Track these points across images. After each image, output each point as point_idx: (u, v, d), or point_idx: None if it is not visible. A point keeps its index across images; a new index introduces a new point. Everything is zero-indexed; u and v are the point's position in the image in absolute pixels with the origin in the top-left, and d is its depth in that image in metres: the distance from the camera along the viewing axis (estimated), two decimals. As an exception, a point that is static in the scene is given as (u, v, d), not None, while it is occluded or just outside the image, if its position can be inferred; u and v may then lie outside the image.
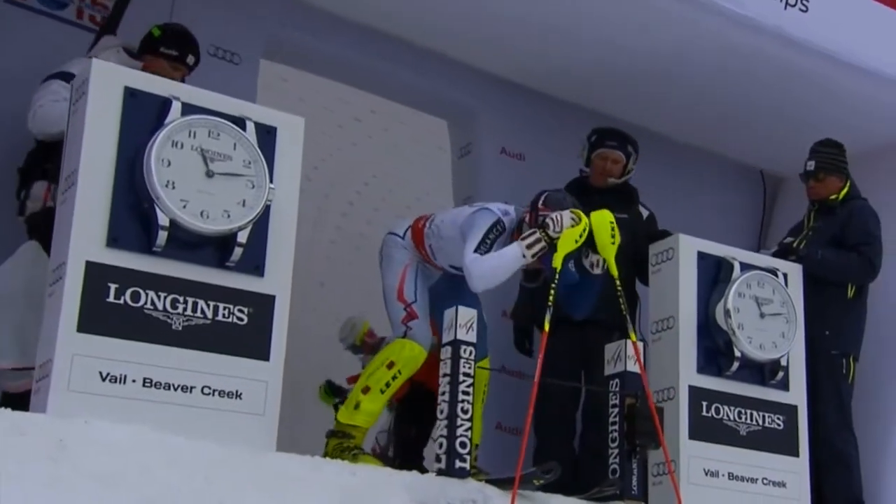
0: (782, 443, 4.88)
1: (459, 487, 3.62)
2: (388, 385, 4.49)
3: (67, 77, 4.24)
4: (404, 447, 7.62)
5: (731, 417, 4.76)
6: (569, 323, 5.25)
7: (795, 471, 4.88)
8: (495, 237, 4.42)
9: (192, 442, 3.29)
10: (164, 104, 3.82)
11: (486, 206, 4.58)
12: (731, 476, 4.66)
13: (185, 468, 3.11)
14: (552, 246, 4.23)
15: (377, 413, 4.56)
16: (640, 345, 4.40)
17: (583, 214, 4.29)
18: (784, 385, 4.93)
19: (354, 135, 10.06)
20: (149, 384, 3.63)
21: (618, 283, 4.35)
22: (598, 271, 4.40)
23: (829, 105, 6.01)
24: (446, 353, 3.92)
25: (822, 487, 5.01)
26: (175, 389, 3.68)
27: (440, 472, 3.78)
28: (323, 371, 5.37)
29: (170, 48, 4.61)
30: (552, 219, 4.26)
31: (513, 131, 6.38)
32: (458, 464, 3.77)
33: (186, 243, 3.75)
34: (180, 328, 3.73)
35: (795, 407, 4.95)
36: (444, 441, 3.81)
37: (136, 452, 3.10)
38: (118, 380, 3.58)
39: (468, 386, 3.87)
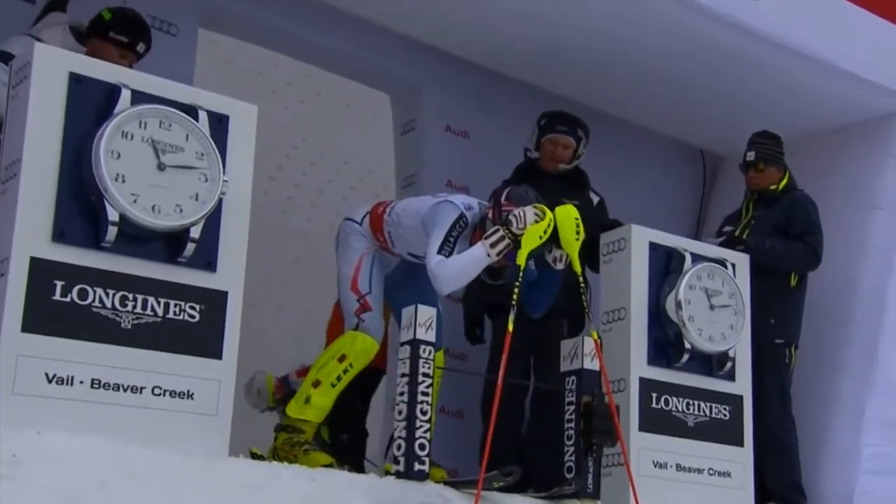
0: (728, 433, 4.96)
1: (419, 490, 3.59)
2: (339, 379, 4.43)
3: (6, 57, 4.05)
4: (352, 422, 7.63)
5: (680, 409, 4.81)
6: (520, 311, 5.27)
7: (740, 460, 4.96)
8: (458, 234, 4.36)
9: (149, 451, 3.20)
10: (112, 92, 3.66)
11: (450, 199, 4.51)
12: (679, 467, 4.72)
13: (142, 481, 3.03)
14: (516, 243, 4.18)
15: (328, 407, 4.49)
16: (598, 341, 4.41)
17: (547, 210, 4.24)
18: (731, 376, 4.99)
19: (286, 99, 9.92)
20: (97, 385, 3.51)
21: (581, 279, 4.33)
22: (560, 266, 4.36)
23: (773, 90, 6.07)
24: (405, 352, 3.86)
25: (763, 474, 5.11)
26: (125, 390, 3.56)
27: (399, 475, 3.74)
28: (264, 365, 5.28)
29: (120, 34, 4.42)
30: (515, 215, 4.20)
31: (458, 108, 6.31)
32: (416, 466, 3.74)
33: (136, 238, 3.61)
34: (129, 326, 3.61)
35: (741, 397, 5.02)
36: (403, 443, 3.76)
37: (92, 466, 3.00)
38: (65, 381, 3.46)
39: (427, 387, 3.82)
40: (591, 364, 4.30)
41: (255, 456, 4.45)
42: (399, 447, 3.79)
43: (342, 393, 6.82)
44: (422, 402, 3.79)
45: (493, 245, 4.21)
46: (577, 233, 4.26)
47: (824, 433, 5.53)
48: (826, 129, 6.35)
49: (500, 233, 4.20)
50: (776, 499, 5.16)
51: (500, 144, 6.38)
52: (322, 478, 3.46)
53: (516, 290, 4.10)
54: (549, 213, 4.23)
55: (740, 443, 4.98)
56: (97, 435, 3.25)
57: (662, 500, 4.48)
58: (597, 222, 5.33)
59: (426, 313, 3.90)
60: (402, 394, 3.83)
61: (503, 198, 4.43)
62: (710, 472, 4.84)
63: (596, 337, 4.34)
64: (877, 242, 5.93)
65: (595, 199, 5.58)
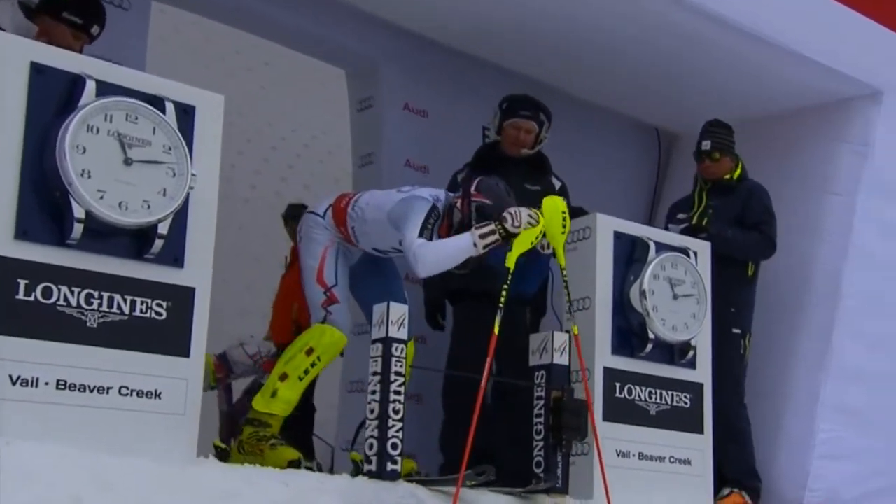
0: (689, 421, 5.00)
1: (392, 491, 3.59)
2: (306, 372, 4.38)
3: None
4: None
5: (643, 398, 4.84)
6: (485, 299, 5.26)
7: (700, 448, 5.02)
8: (434, 223, 4.34)
9: (122, 460, 3.15)
10: (75, 83, 3.55)
11: (416, 194, 4.47)
12: (642, 456, 4.75)
13: (117, 493, 2.98)
14: (506, 240, 4.14)
15: (295, 401, 4.44)
16: (566, 335, 4.42)
17: (542, 216, 4.20)
18: (692, 364, 5.03)
19: (234, 68, 9.78)
20: (63, 386, 3.43)
21: (564, 272, 4.32)
22: (548, 251, 4.35)
23: (729, 72, 6.09)
24: (377, 350, 3.84)
25: (719, 460, 5.18)
26: (91, 391, 3.48)
27: (371, 475, 3.73)
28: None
29: (74, 15, 4.28)
30: (511, 214, 4.15)
31: (416, 86, 6.25)
32: (389, 466, 3.72)
33: (102, 235, 3.51)
34: (95, 325, 3.52)
35: (701, 385, 5.07)
36: (375, 443, 3.74)
37: (66, 479, 2.94)
38: (30, 383, 3.36)
39: (399, 385, 3.80)
40: (561, 359, 4.31)
41: (217, 448, 4.45)
42: (371, 447, 3.76)
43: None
44: (394, 401, 3.76)
45: (482, 237, 4.17)
46: (564, 226, 4.26)
47: (779, 419, 5.61)
48: (782, 113, 6.38)
49: (493, 227, 4.16)
50: (732, 484, 5.25)
51: (459, 123, 6.36)
52: (295, 481, 3.43)
53: (504, 292, 4.05)
54: (543, 220, 4.20)
55: (700, 430, 5.04)
56: (65, 441, 3.19)
57: (625, 488, 4.51)
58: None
59: (398, 311, 3.86)
60: (373, 392, 3.80)
61: (473, 188, 4.41)
62: (671, 459, 4.89)
63: (576, 332, 4.31)
64: (831, 228, 5.97)
65: (557, 184, 5.57)
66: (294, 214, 6.15)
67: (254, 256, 9.16)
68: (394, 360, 3.80)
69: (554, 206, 4.28)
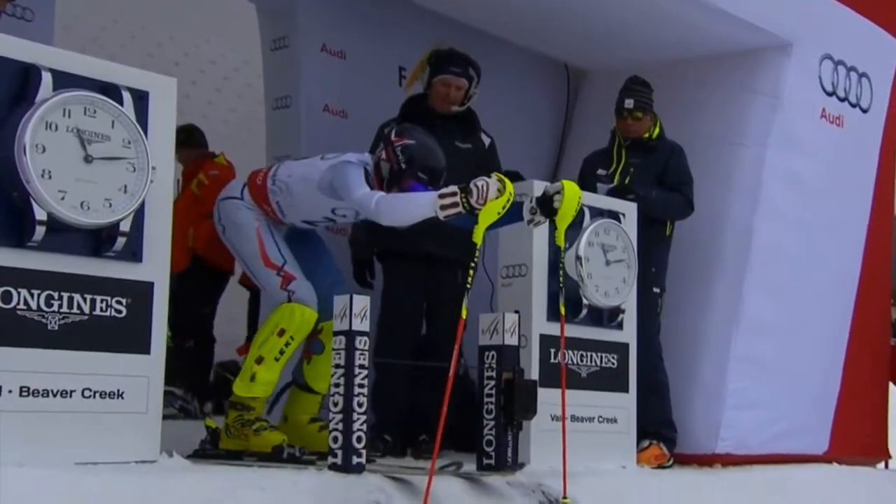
0: (616, 380, 5.22)
1: (360, 486, 3.68)
2: (281, 352, 4.39)
3: None
4: (198, 328, 7.56)
5: (575, 361, 5.03)
6: (415, 258, 5.33)
7: (625, 405, 5.26)
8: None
9: (99, 477, 3.16)
10: (27, 73, 3.42)
11: (344, 159, 4.47)
12: (574, 418, 4.92)
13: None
14: (470, 213, 4.10)
15: (274, 381, 4.48)
16: (515, 316, 4.53)
17: (509, 183, 4.11)
18: (620, 325, 5.26)
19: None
20: (26, 393, 3.39)
21: (562, 253, 4.39)
22: (531, 227, 4.37)
23: (638, 17, 6.04)
24: (339, 343, 3.87)
25: (639, 414, 5.44)
26: (54, 395, 3.46)
27: (336, 468, 3.79)
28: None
29: None
30: (477, 187, 4.04)
31: (333, 27, 6.12)
32: (355, 459, 3.79)
33: (62, 235, 3.44)
34: (56, 327, 3.47)
35: (627, 345, 5.29)
36: (340, 436, 3.80)
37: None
38: (-6, 392, 3.34)
39: (363, 378, 3.84)
40: (511, 340, 4.43)
41: (209, 429, 4.52)
42: (336, 440, 3.82)
43: (185, 299, 6.83)
44: (358, 394, 3.82)
45: (443, 208, 4.11)
46: (578, 213, 4.26)
47: (693, 371, 5.83)
48: (693, 59, 6.41)
49: (457, 199, 4.08)
50: (651, 436, 5.49)
51: (377, 66, 6.28)
52: (269, 484, 3.48)
53: (472, 271, 4.04)
54: (509, 187, 4.09)
55: (626, 389, 5.27)
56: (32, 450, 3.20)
57: (558, 452, 4.68)
58: (491, 165, 5.39)
59: (361, 303, 3.89)
60: (337, 385, 3.85)
61: (392, 135, 4.47)
62: (600, 419, 5.13)
63: (563, 311, 4.34)
64: (742, 181, 6.09)
65: (486, 141, 5.62)
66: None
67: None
68: (357, 352, 3.84)
69: (573, 192, 4.21)
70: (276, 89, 6.17)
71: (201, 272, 7.33)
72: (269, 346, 4.41)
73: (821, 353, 6.50)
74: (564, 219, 4.22)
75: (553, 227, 4.37)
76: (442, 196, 4.13)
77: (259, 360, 4.41)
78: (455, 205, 4.09)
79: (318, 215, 4.62)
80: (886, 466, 7.41)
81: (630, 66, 6.33)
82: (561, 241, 4.31)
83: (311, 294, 4.49)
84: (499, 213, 4.07)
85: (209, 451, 4.43)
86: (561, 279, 4.45)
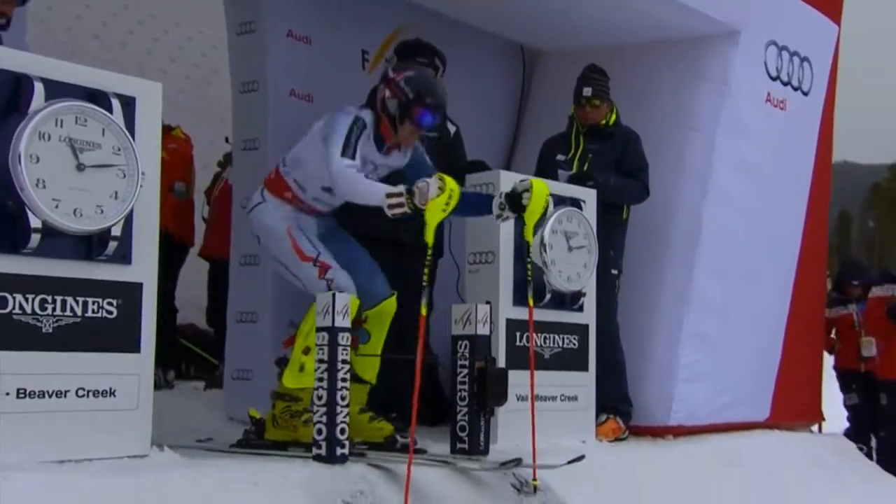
0: (576, 360, 5.35)
1: (345, 476, 3.76)
2: None
3: None
4: (162, 298, 7.55)
5: (539, 344, 5.15)
6: (388, 244, 5.36)
7: (585, 384, 5.40)
8: (358, 134, 4.39)
9: (103, 481, 3.19)
10: (19, 83, 3.39)
11: (339, 109, 4.50)
12: (538, 398, 4.99)
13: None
14: (416, 213, 4.15)
15: None
16: (487, 307, 4.61)
17: (448, 179, 4.13)
18: (581, 308, 5.38)
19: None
20: (23, 395, 3.41)
21: (530, 247, 4.47)
22: (499, 222, 4.44)
23: (593, 2, 6.11)
24: (323, 339, 3.92)
25: (597, 389, 5.58)
26: (50, 396, 3.47)
27: (320, 459, 3.86)
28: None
29: None
30: (419, 189, 4.10)
31: (298, 13, 6.08)
32: (338, 451, 3.86)
33: (56, 240, 3.44)
34: (51, 330, 3.48)
35: (587, 326, 5.42)
36: (324, 428, 3.87)
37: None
38: (-8, 395, 3.35)
39: (346, 373, 3.91)
40: (483, 330, 4.51)
41: (253, 419, 4.50)
42: (320, 432, 3.89)
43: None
44: (341, 388, 3.88)
45: (390, 206, 4.19)
46: (545, 210, 4.34)
47: (647, 348, 5.98)
48: (644, 44, 6.48)
49: (402, 199, 4.15)
50: (609, 411, 5.64)
51: (341, 51, 6.26)
52: (261, 478, 3.55)
53: (426, 270, 4.08)
54: (449, 183, 4.13)
55: (585, 368, 5.41)
56: (53, 473, 3.21)
57: (524, 431, 4.77)
58: (457, 153, 5.44)
59: (342, 300, 3.95)
60: (321, 380, 3.91)
61: (390, 72, 4.52)
62: (562, 398, 5.25)
63: (531, 302, 4.44)
64: (693, 165, 6.20)
65: (452, 130, 5.65)
66: None
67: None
68: (340, 348, 3.89)
69: (542, 190, 4.30)
70: (242, 73, 6.11)
71: (162, 244, 7.31)
72: (315, 336, 4.34)
73: (763, 327, 6.70)
74: (532, 216, 4.31)
75: (522, 223, 4.43)
76: (389, 196, 4.20)
77: (306, 351, 4.35)
78: (401, 205, 4.18)
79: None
80: (820, 429, 7.69)
81: (583, 47, 6.43)
82: (530, 236, 4.40)
83: (349, 281, 4.50)
84: (444, 210, 4.10)
85: (254, 441, 4.44)
86: (529, 270, 4.52)
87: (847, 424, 8.43)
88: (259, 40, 5.99)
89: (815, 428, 7.61)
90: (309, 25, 6.09)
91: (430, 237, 4.11)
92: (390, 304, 4.65)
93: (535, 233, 4.97)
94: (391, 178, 4.72)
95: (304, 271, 4.56)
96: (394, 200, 4.19)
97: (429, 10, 6.43)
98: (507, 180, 5.04)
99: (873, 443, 7.80)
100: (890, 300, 7.07)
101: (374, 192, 4.30)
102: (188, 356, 8.60)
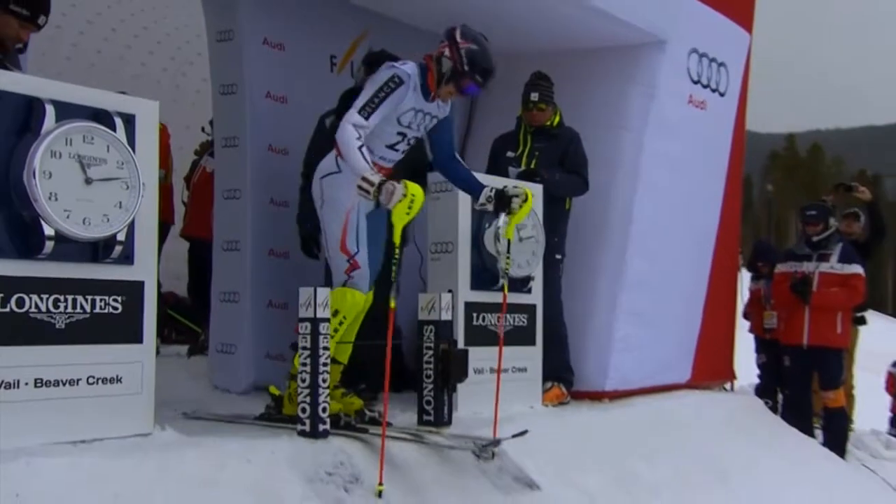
0: (526, 336, 5.44)
1: (327, 451, 3.83)
2: (335, 330, 4.26)
3: None
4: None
5: (494, 323, 5.19)
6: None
7: (533, 357, 5.49)
8: (388, 92, 4.29)
9: (116, 461, 3.23)
10: (31, 106, 3.39)
11: (387, 65, 4.41)
12: (493, 370, 5.08)
13: (120, 496, 3.09)
14: (377, 205, 4.19)
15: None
16: (450, 296, 4.68)
17: (412, 186, 4.09)
18: (530, 290, 5.46)
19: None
20: (40, 384, 3.44)
21: (510, 244, 4.58)
22: (477, 208, 4.56)
23: (533, 9, 6.05)
24: (305, 328, 3.97)
25: (543, 360, 5.68)
26: (63, 385, 3.51)
27: (305, 434, 3.94)
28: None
29: (22, 7, 3.91)
30: (386, 189, 4.06)
31: (273, 22, 6.06)
32: (320, 427, 3.94)
33: (67, 246, 3.46)
34: (63, 326, 3.50)
35: (535, 306, 5.51)
36: (308, 407, 3.93)
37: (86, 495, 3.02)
38: (12, 385, 3.36)
39: (327, 358, 3.98)
40: (446, 316, 4.59)
41: (273, 395, 4.50)
42: (304, 410, 3.95)
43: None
44: (322, 372, 3.95)
45: (359, 187, 4.15)
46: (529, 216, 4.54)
47: (587, 323, 6.09)
48: (583, 50, 6.48)
49: (371, 189, 4.09)
50: (553, 379, 5.74)
51: (312, 56, 6.26)
52: (254, 456, 3.61)
53: (394, 268, 4.10)
54: (410, 190, 4.08)
55: (533, 342, 5.51)
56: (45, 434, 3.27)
57: (480, 401, 4.88)
58: (422, 150, 5.46)
59: (323, 294, 4.01)
60: (304, 364, 3.97)
61: (458, 35, 4.39)
62: (513, 369, 5.33)
63: (506, 289, 4.62)
64: (625, 161, 6.30)
65: (417, 130, 5.67)
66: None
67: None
68: (321, 337, 3.95)
69: (530, 202, 4.57)
70: (222, 76, 6.07)
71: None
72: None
73: (686, 301, 6.86)
74: (517, 219, 4.49)
75: (505, 222, 4.61)
76: (364, 179, 4.12)
77: None
78: (367, 192, 4.12)
79: (392, 132, 4.47)
80: (732, 386, 7.89)
81: (529, 51, 6.43)
82: (510, 234, 4.56)
83: (365, 282, 4.42)
84: (408, 213, 4.09)
85: (274, 415, 4.43)
86: (507, 264, 4.71)
87: (758, 381, 8.69)
88: (237, 47, 5.96)
89: (728, 385, 7.82)
90: (282, 33, 6.07)
91: (396, 238, 4.14)
92: (367, 299, 4.62)
93: (488, 224, 5.12)
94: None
95: (337, 260, 4.41)
96: (365, 185, 4.13)
97: (388, 18, 6.44)
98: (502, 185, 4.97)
99: (780, 398, 8.03)
100: (793, 276, 7.25)
101: (356, 162, 4.18)
102: (170, 323, 8.61)
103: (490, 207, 4.49)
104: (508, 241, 4.60)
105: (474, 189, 4.69)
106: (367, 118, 4.28)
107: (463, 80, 4.43)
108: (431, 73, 4.45)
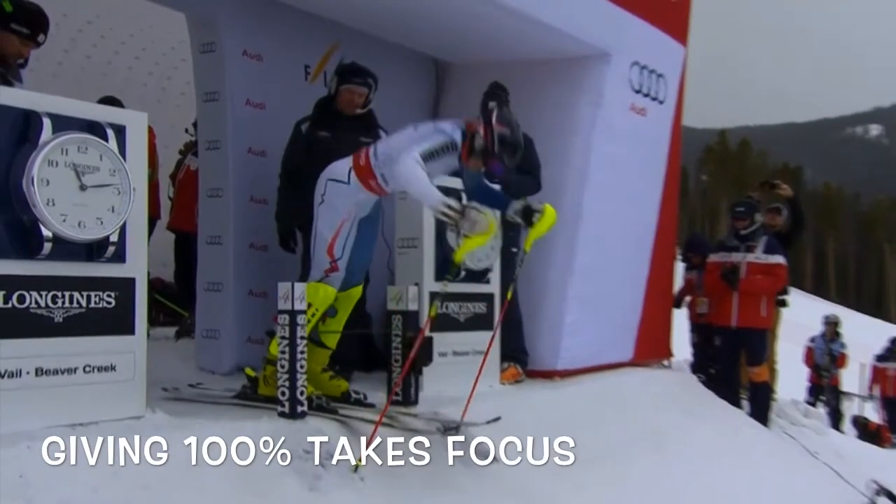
0: (484, 321, 5.44)
1: (304, 430, 3.83)
2: (307, 321, 4.17)
3: None
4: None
5: (455, 311, 5.25)
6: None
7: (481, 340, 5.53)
8: (443, 153, 4.23)
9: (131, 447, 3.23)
10: (28, 119, 3.35)
11: (439, 126, 4.31)
12: (455, 353, 5.10)
13: (128, 485, 3.09)
14: (456, 233, 4.21)
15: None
16: (416, 288, 4.69)
17: (493, 224, 4.11)
18: (488, 280, 5.48)
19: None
20: (40, 373, 3.41)
21: (526, 255, 4.54)
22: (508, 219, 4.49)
23: (490, 22, 5.98)
24: (284, 320, 3.98)
25: (502, 342, 5.73)
26: (62, 374, 3.48)
27: (284, 415, 3.95)
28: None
29: (22, 25, 3.83)
30: (472, 220, 4.00)
31: (252, 35, 6.01)
32: (299, 408, 3.95)
33: (65, 247, 3.43)
34: (61, 320, 3.47)
35: (493, 294, 5.50)
36: (287, 391, 3.94)
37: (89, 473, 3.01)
38: (14, 374, 3.33)
39: (304, 347, 3.98)
40: (413, 306, 4.61)
41: (248, 376, 4.53)
42: (283, 394, 3.96)
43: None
44: (300, 359, 3.96)
45: (442, 213, 4.07)
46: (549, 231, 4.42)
47: (539, 309, 6.14)
48: (538, 60, 6.47)
49: (455, 216, 4.02)
50: (509, 360, 5.79)
51: (288, 66, 6.22)
52: (238, 436, 3.59)
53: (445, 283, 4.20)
54: (493, 229, 4.13)
55: (491, 327, 5.43)
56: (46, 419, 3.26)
57: (443, 381, 4.87)
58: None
59: (300, 288, 4.01)
60: (283, 353, 3.97)
61: (494, 119, 4.28)
62: (473, 352, 5.25)
63: (509, 296, 4.60)
64: (574, 162, 6.34)
65: (383, 135, 5.67)
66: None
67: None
68: (298, 328, 3.96)
69: (550, 217, 4.41)
70: (205, 85, 6.02)
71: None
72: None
73: (629, 286, 6.94)
74: (537, 233, 4.41)
75: (525, 235, 4.55)
76: (448, 206, 4.04)
77: None
78: (450, 218, 4.05)
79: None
80: (669, 363, 8.01)
81: (485, 61, 6.43)
82: (528, 247, 4.48)
83: (338, 283, 4.41)
84: (478, 246, 4.16)
85: (251, 395, 4.44)
86: (516, 273, 4.78)
87: (692, 358, 8.82)
88: (219, 58, 5.90)
89: (666, 363, 7.93)
90: (260, 45, 6.02)
91: (459, 257, 4.35)
92: (357, 291, 4.62)
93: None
94: None
95: (320, 257, 4.40)
96: (449, 212, 4.04)
97: (357, 30, 6.41)
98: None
99: (711, 373, 8.15)
100: (723, 265, 7.37)
101: (431, 193, 4.10)
102: (158, 306, 8.58)
103: (519, 221, 4.44)
104: (525, 252, 4.52)
105: (496, 204, 4.57)
106: (423, 164, 4.20)
107: (490, 161, 4.33)
108: (465, 145, 4.34)
